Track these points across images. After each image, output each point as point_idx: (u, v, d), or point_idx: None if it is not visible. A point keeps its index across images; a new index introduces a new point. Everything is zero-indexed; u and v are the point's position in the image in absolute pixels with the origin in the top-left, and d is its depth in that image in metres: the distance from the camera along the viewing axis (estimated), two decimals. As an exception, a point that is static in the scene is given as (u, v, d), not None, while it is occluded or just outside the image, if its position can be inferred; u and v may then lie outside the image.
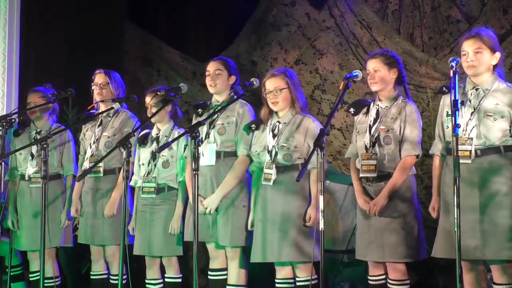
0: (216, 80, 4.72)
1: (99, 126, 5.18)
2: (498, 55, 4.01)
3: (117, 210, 4.98)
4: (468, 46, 3.99)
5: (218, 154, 4.63)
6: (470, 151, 3.95)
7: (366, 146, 4.31)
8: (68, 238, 5.38)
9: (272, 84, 4.52)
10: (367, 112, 4.41)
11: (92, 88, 5.23)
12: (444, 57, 7.57)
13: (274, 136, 4.55)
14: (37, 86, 5.54)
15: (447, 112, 4.03)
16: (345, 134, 7.47)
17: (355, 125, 4.50)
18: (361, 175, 4.32)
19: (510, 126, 3.97)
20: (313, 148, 3.80)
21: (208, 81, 4.76)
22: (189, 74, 8.67)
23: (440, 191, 4.16)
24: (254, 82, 4.49)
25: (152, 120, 4.87)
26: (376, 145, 4.28)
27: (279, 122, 4.57)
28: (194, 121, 4.76)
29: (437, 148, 4.23)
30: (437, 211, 4.18)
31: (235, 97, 4.64)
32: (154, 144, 4.89)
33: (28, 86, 5.83)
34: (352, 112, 4.46)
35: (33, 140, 5.25)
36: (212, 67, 4.78)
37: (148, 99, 4.96)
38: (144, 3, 8.79)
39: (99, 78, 5.20)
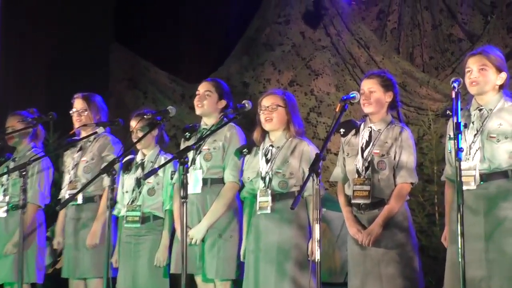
0: (204, 101, 4.70)
1: (78, 151, 5.13)
2: (504, 75, 3.98)
3: (100, 240, 4.91)
4: (473, 63, 3.97)
5: (204, 181, 4.57)
6: (474, 176, 3.92)
7: (358, 171, 4.24)
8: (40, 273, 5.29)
9: (269, 101, 4.50)
10: (356, 134, 4.35)
11: (71, 113, 5.18)
12: (446, 78, 7.59)
13: (267, 161, 4.50)
14: (17, 110, 5.49)
15: (449, 135, 3.99)
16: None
17: (342, 146, 4.42)
18: (353, 201, 4.24)
19: None
20: (308, 174, 3.75)
21: (195, 101, 4.74)
22: (178, 96, 8.67)
23: (450, 220, 4.11)
24: (246, 105, 4.44)
25: (138, 145, 4.83)
26: (370, 169, 4.21)
27: (272, 146, 4.52)
28: (182, 146, 4.72)
29: (447, 173, 4.20)
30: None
31: (226, 120, 4.58)
32: (139, 171, 4.84)
33: (7, 110, 5.78)
34: (342, 133, 4.42)
35: (5, 168, 5.21)
36: (202, 87, 4.76)
37: (133, 123, 4.92)
38: (131, 23, 8.80)
39: (77, 103, 5.17)
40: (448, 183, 4.19)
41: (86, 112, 5.17)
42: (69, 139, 5.26)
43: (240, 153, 4.62)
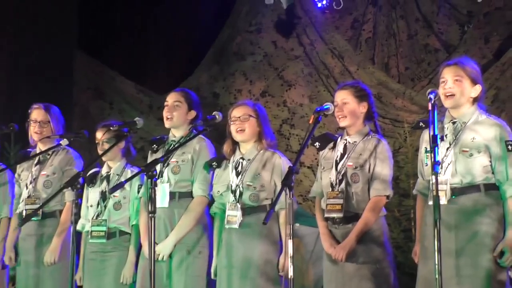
0: (173, 112, 4.69)
1: (36, 164, 5.09)
2: (478, 87, 4.01)
3: (60, 257, 4.88)
4: (448, 73, 4.00)
5: (172, 195, 4.54)
6: (445, 190, 3.94)
7: (332, 184, 4.26)
8: None
9: (240, 111, 4.51)
10: (333, 147, 4.38)
11: (28, 124, 5.13)
12: (422, 89, 7.67)
13: (237, 174, 4.50)
14: (-26, 121, 5.44)
15: (426, 148, 4.02)
16: (316, 172, 7.48)
17: (320, 161, 4.45)
18: (326, 215, 4.25)
19: (490, 162, 3.93)
20: (281, 187, 3.77)
21: (164, 112, 4.72)
22: (145, 107, 8.66)
23: (420, 234, 4.15)
24: (217, 116, 4.44)
25: (103, 157, 4.80)
26: (343, 182, 4.22)
27: (243, 159, 4.52)
28: (150, 159, 4.71)
29: (419, 186, 4.23)
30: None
31: (195, 132, 4.58)
32: (104, 184, 4.81)
33: (-35, 121, 5.72)
34: (318, 147, 4.44)
35: None
36: (171, 98, 4.74)
37: (99, 135, 4.90)
38: (95, 30, 8.76)
39: (38, 114, 5.10)
40: (420, 197, 4.23)
41: (48, 124, 5.13)
42: (22, 151, 5.21)
43: (209, 167, 4.62)
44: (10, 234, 5.12)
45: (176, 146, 4.53)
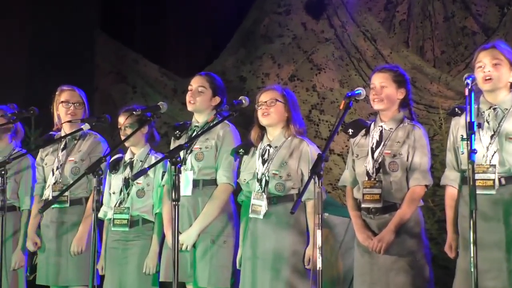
0: (197, 97, 4.70)
1: (63, 150, 5.14)
2: (517, 71, 4.01)
3: (86, 246, 4.93)
4: (486, 57, 3.98)
5: (196, 182, 4.57)
6: (494, 180, 3.91)
7: (368, 173, 4.27)
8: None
9: (268, 96, 4.52)
10: (366, 134, 4.37)
11: (55, 106, 5.17)
12: (459, 74, 7.61)
13: (263, 162, 4.52)
14: (-6, 105, 5.48)
15: (462, 136, 3.99)
16: (346, 160, 7.48)
17: (351, 148, 4.45)
18: (362, 205, 4.26)
19: None
20: (309, 176, 3.77)
21: (188, 96, 4.75)
22: (169, 91, 8.69)
23: (459, 226, 4.11)
24: (243, 101, 4.45)
25: (126, 143, 4.85)
26: (381, 171, 4.23)
27: (270, 146, 4.54)
28: (173, 145, 4.74)
29: (448, 178, 4.20)
30: (455, 250, 4.14)
31: (220, 118, 4.61)
32: (128, 170, 4.85)
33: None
34: (351, 134, 4.44)
35: None
36: (195, 82, 4.76)
37: (122, 120, 4.93)
38: (118, 11, 8.81)
39: (72, 96, 5.14)
40: (451, 188, 4.19)
41: (83, 106, 5.18)
42: (47, 134, 5.25)
43: (236, 153, 4.64)
44: (32, 220, 5.19)
45: (200, 132, 4.55)
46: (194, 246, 4.55)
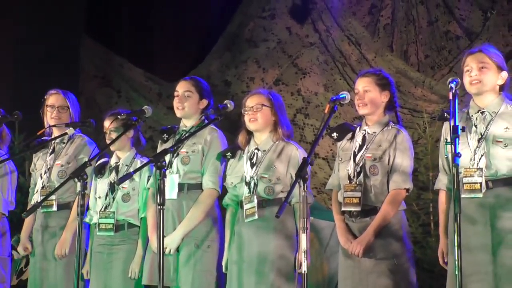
0: (185, 102, 4.70)
1: (51, 153, 5.12)
2: (505, 74, 4.00)
3: (70, 250, 4.91)
4: (473, 61, 3.99)
5: (181, 186, 4.57)
6: (480, 183, 3.91)
7: (349, 176, 4.28)
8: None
9: (254, 101, 4.52)
10: (351, 138, 4.39)
11: (44, 110, 5.16)
12: (442, 78, 7.66)
13: (252, 165, 4.51)
14: (-23, 109, 5.44)
15: (446, 139, 4.00)
16: (331, 164, 7.49)
17: (338, 152, 4.48)
18: (343, 208, 4.27)
19: None
20: (295, 179, 3.77)
21: (175, 103, 4.74)
22: (154, 95, 8.68)
23: (448, 230, 4.10)
24: (228, 105, 4.44)
25: (112, 147, 4.82)
26: (361, 175, 4.24)
27: (258, 150, 4.54)
28: (159, 149, 4.73)
29: (441, 182, 4.20)
30: (447, 255, 4.12)
31: (206, 121, 4.61)
32: (113, 175, 4.84)
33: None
34: (335, 137, 4.44)
35: None
36: (181, 87, 4.75)
37: (107, 124, 4.91)
38: (103, 15, 8.79)
39: (57, 99, 5.14)
40: (444, 192, 4.19)
41: (67, 110, 5.16)
42: (38, 139, 5.23)
43: (223, 157, 4.63)
44: (24, 225, 5.17)
45: (187, 135, 4.54)
46: (177, 250, 4.53)
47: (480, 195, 3.90)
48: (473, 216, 3.85)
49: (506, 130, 3.93)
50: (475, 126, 3.99)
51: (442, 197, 4.19)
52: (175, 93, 4.75)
